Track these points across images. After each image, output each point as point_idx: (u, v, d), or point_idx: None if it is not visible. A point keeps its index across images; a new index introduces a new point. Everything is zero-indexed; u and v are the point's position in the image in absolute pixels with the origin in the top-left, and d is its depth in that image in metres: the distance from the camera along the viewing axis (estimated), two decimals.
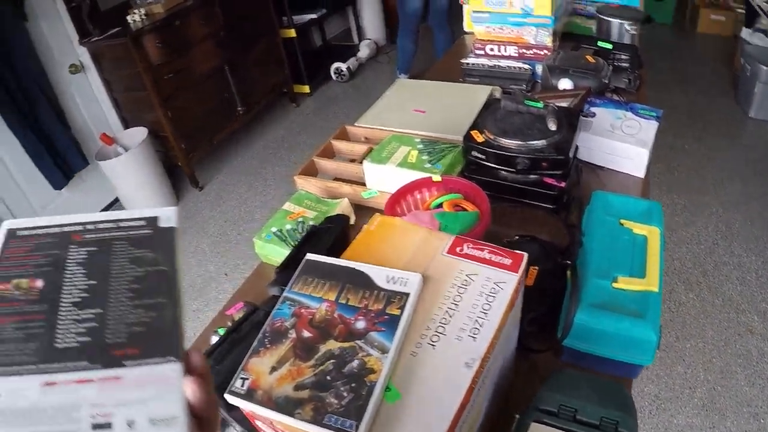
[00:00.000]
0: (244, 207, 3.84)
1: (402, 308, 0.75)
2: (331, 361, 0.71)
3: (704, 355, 2.53)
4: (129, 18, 3.71)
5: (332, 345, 0.73)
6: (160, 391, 0.46)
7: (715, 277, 2.91)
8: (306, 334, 0.75)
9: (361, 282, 0.80)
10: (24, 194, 3.70)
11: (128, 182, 3.79)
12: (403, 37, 4.65)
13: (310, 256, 0.85)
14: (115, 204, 4.13)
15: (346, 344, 0.73)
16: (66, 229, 0.56)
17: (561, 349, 1.02)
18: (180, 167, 4.08)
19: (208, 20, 3.85)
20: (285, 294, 0.81)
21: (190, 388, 0.47)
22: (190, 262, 3.44)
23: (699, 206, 3.37)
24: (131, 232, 0.55)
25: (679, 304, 2.77)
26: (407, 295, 0.77)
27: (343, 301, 0.78)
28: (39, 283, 0.51)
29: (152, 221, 0.56)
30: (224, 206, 3.90)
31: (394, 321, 0.74)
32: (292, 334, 0.75)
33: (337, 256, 0.87)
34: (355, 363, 0.70)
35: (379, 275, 0.80)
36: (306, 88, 4.83)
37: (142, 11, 3.71)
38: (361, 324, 0.74)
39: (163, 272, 0.53)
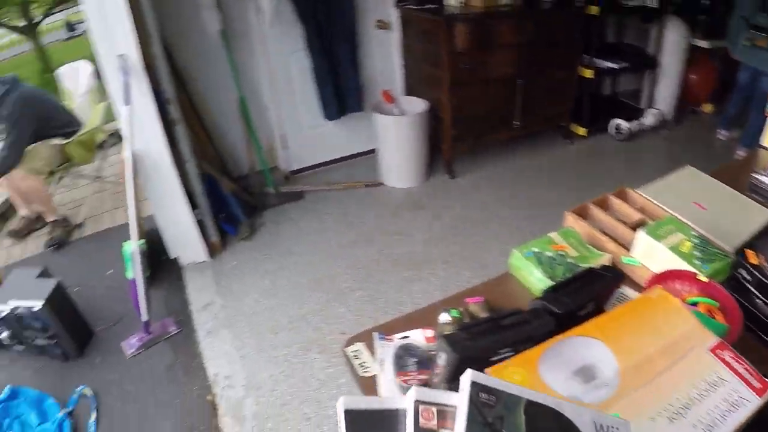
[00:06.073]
0: (489, 210, 3.88)
1: None
2: None
3: None
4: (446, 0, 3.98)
5: None
6: None
7: None
8: None
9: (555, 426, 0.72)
10: (297, 111, 4.23)
11: (392, 142, 4.10)
12: (731, 101, 4.84)
13: (476, 376, 0.71)
14: (368, 154, 4.51)
15: None
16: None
17: None
18: (439, 150, 4.30)
19: (518, 31, 3.97)
20: None
21: None
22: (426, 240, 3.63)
23: None
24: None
25: None
26: None
27: None
28: None
29: None
30: (468, 199, 4.03)
31: None
32: None
33: (594, 310, 0.95)
34: None
35: (583, 420, 0.73)
36: (582, 131, 4.81)
37: None
38: None
39: None
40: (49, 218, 4.38)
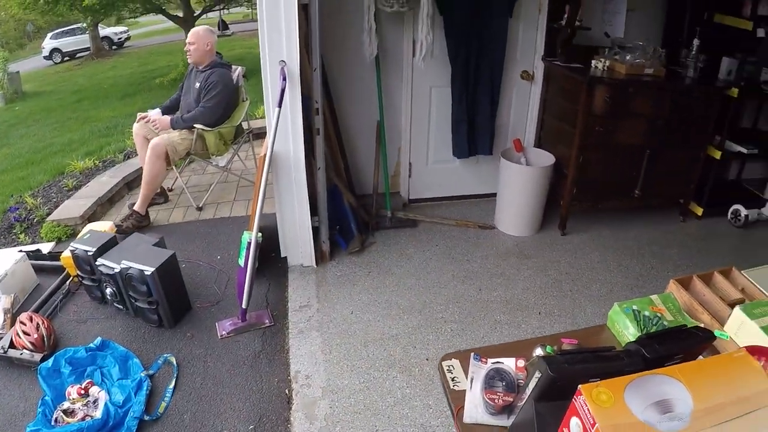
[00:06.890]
0: (593, 271, 3.86)
1: None
2: None
3: None
4: (593, 62, 4.04)
5: None
6: None
7: None
8: None
9: None
10: (428, 144, 4.51)
11: (513, 190, 4.16)
12: None
13: None
14: (486, 197, 4.63)
15: None
16: None
17: None
18: (556, 205, 4.32)
19: (656, 104, 3.94)
20: None
21: None
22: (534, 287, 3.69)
23: None
24: None
25: None
26: None
27: None
28: None
29: None
30: (574, 258, 4.03)
31: None
32: None
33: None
34: None
35: None
36: (699, 210, 4.67)
37: (607, 63, 3.98)
38: None
39: None
40: (136, 207, 4.54)
